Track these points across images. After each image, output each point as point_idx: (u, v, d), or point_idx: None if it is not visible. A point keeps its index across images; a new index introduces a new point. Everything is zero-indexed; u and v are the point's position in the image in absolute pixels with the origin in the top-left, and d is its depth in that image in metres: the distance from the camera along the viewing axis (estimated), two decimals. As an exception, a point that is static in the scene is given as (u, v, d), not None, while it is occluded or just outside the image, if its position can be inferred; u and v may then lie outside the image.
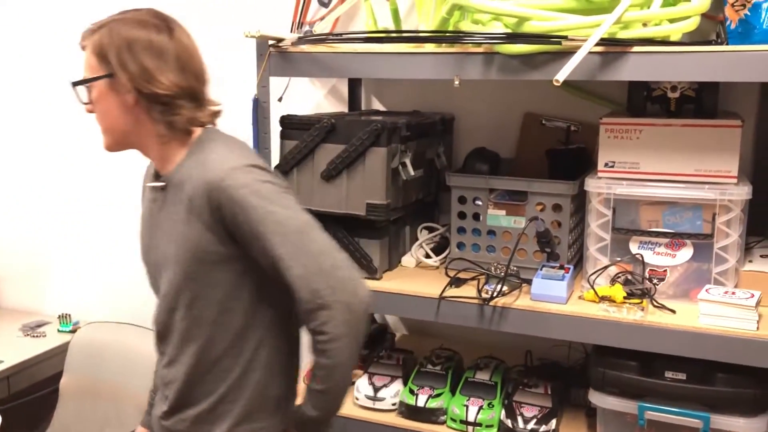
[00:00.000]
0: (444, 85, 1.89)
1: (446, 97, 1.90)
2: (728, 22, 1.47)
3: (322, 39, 1.42)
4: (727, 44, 1.44)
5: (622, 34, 1.26)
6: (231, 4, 2.10)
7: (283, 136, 1.56)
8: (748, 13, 1.42)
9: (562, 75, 1.14)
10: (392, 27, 1.79)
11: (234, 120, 2.09)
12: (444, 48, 1.39)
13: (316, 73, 1.51)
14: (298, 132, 1.53)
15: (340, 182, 1.49)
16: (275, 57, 1.49)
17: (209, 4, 2.12)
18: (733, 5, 1.47)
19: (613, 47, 1.24)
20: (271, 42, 1.48)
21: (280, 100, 1.98)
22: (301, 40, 1.42)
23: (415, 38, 1.37)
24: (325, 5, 1.95)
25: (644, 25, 1.27)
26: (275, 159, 1.60)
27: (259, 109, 1.52)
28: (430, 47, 1.43)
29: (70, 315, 2.37)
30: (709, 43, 1.50)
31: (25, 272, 2.55)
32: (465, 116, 1.90)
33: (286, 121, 1.55)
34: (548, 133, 1.79)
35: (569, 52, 1.25)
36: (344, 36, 1.41)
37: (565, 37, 1.22)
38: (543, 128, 1.80)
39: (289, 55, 1.48)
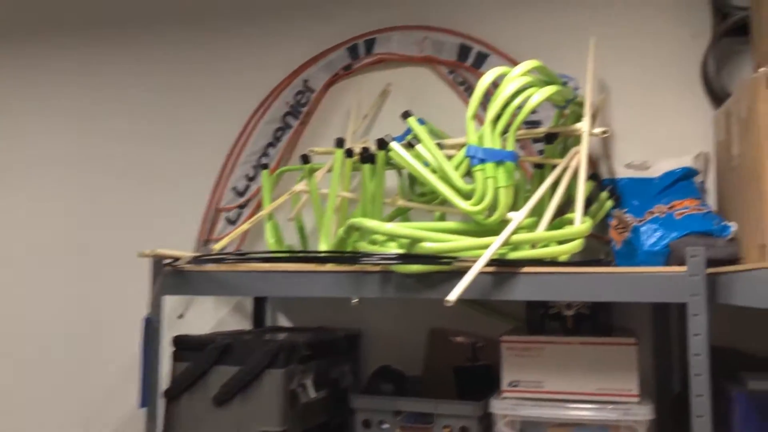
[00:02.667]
0: (346, 301, 1.88)
1: (352, 313, 1.88)
2: (613, 243, 1.55)
3: (220, 258, 1.41)
4: (614, 264, 1.51)
5: (513, 255, 1.29)
6: (132, 217, 2.10)
7: (176, 357, 1.47)
8: (631, 236, 1.51)
9: (452, 295, 1.15)
10: (299, 244, 1.81)
11: (126, 341, 2.01)
12: (343, 267, 1.39)
13: (214, 292, 1.47)
14: (191, 353, 1.45)
15: (233, 407, 1.40)
16: (171, 276, 1.45)
17: (112, 217, 2.11)
18: (616, 228, 1.57)
19: (504, 268, 1.27)
20: (166, 261, 1.45)
21: (180, 317, 1.91)
22: (197, 260, 1.40)
23: (314, 258, 1.38)
24: (232, 223, 1.97)
25: (533, 246, 1.32)
26: (165, 383, 1.50)
27: (150, 330, 1.45)
28: (330, 266, 1.43)
29: None
30: (598, 262, 1.57)
31: None
32: (371, 332, 1.87)
33: (179, 342, 1.47)
34: (455, 350, 1.77)
35: (462, 272, 1.27)
36: (243, 255, 1.40)
37: (457, 258, 1.24)
38: (450, 344, 1.78)
39: (185, 274, 1.45)
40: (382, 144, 1.43)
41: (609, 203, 1.58)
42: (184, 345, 1.47)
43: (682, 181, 1.61)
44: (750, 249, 1.34)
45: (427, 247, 1.25)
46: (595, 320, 1.48)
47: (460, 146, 1.60)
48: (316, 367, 1.52)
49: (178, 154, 2.09)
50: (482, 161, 1.30)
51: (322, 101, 1.98)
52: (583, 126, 1.45)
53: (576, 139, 1.58)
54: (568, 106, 1.48)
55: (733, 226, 1.41)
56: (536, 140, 1.74)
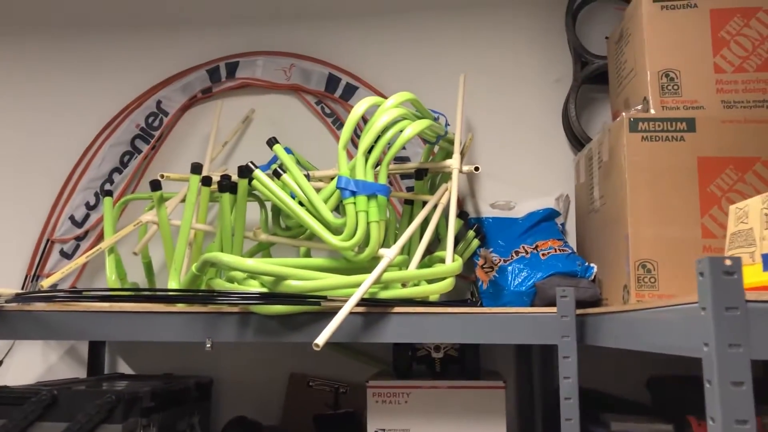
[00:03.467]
0: (199, 344, 1.71)
1: (203, 358, 1.71)
2: (480, 283, 1.53)
3: (50, 296, 1.21)
4: (481, 304, 1.48)
5: (384, 294, 1.22)
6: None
7: (-12, 413, 1.24)
8: (497, 275, 1.48)
9: (321, 339, 1.04)
10: (145, 282, 1.63)
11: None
12: (196, 308, 1.25)
13: (42, 336, 1.27)
14: (8, 408, 1.23)
15: (58, 472, 1.19)
16: (-14, 316, 1.23)
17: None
18: (482, 267, 1.54)
19: (375, 308, 1.19)
20: (-19, 299, 1.23)
21: (-1, 364, 1.65)
22: (21, 297, 1.19)
23: (163, 297, 1.22)
24: (68, 256, 1.75)
25: (403, 285, 1.25)
26: (-26, 443, 1.26)
27: (-43, 380, 1.21)
28: (181, 306, 1.28)
29: None
30: (465, 302, 1.54)
31: None
32: (225, 379, 1.71)
33: (-7, 395, 1.25)
34: (316, 396, 1.66)
35: (330, 313, 1.18)
36: (78, 293, 1.21)
37: (325, 298, 1.15)
38: (310, 390, 1.67)
39: (5, 315, 1.23)
40: (245, 172, 1.31)
41: (475, 242, 1.56)
42: (0, 398, 1.24)
43: (544, 221, 1.63)
44: (612, 290, 1.36)
45: (293, 285, 1.15)
46: (463, 362, 1.43)
47: (328, 179, 1.52)
48: (161, 421, 1.35)
49: (6, 175, 1.83)
50: (354, 194, 1.23)
51: (176, 125, 1.82)
52: (454, 163, 1.42)
53: (444, 176, 1.55)
54: (438, 143, 1.45)
55: (595, 268, 1.43)
56: (404, 176, 1.70)
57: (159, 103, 1.80)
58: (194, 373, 1.69)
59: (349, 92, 1.77)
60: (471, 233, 1.56)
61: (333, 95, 1.77)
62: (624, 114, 1.30)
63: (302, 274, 1.16)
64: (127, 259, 1.63)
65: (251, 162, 1.29)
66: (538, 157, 1.73)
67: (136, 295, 1.23)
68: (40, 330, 1.24)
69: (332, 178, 1.53)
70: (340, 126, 1.78)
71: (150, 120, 1.80)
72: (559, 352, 1.16)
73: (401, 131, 1.28)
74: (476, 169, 1.34)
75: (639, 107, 1.33)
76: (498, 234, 1.60)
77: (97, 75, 1.86)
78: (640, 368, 1.58)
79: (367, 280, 1.17)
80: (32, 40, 1.88)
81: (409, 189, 1.69)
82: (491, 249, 1.56)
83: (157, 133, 1.79)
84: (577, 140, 1.68)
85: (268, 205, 1.52)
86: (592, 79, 1.69)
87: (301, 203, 1.28)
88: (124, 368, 1.74)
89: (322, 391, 1.67)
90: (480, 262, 1.53)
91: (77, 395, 1.24)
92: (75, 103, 1.85)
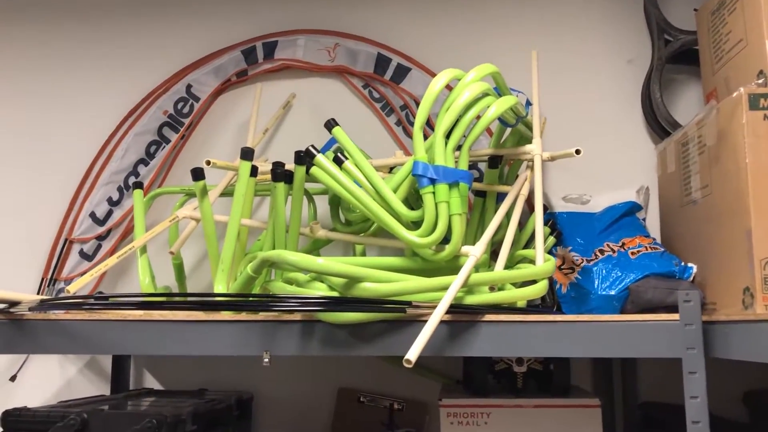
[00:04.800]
0: (235, 357, 1.53)
1: (240, 371, 1.53)
2: (558, 285, 1.35)
3: (77, 303, 1.03)
4: (559, 310, 1.31)
5: (470, 300, 1.04)
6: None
7: (6, 441, 1.06)
8: (579, 277, 1.31)
9: (413, 353, 0.86)
10: (175, 287, 1.45)
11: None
12: (247, 315, 1.06)
13: (68, 350, 1.08)
14: (29, 435, 1.05)
15: None
16: (5, 327, 1.05)
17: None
18: (560, 268, 1.36)
19: (463, 315, 1.01)
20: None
21: (13, 379, 1.47)
22: (44, 304, 1.01)
23: (210, 304, 1.04)
24: (89, 258, 1.56)
25: (491, 289, 1.07)
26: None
27: (-31, 402, 1.03)
28: (227, 314, 1.10)
29: None
30: (536, 308, 1.36)
31: None
32: (264, 394, 1.53)
33: (11, 420, 1.06)
34: (368, 413, 1.48)
35: (410, 321, 1.00)
36: (110, 299, 1.03)
37: (409, 303, 0.97)
38: (361, 407, 1.49)
39: (25, 325, 1.05)
40: (303, 157, 1.13)
41: (551, 240, 1.38)
42: (18, 424, 1.06)
43: (626, 216, 1.45)
44: (721, 293, 1.18)
45: (369, 288, 0.96)
46: (549, 378, 1.25)
47: (385, 169, 1.34)
48: (204, 446, 1.17)
49: (19, 169, 1.65)
50: (433, 182, 1.05)
51: (208, 112, 1.64)
52: (536, 148, 1.24)
53: (515, 165, 1.37)
54: (517, 125, 1.27)
55: (694, 268, 1.26)
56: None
57: (189, 87, 1.62)
58: (229, 387, 1.50)
59: (401, 74, 1.59)
60: (546, 229, 1.38)
61: (382, 77, 1.59)
62: (742, 89, 1.12)
63: (380, 276, 0.98)
64: (152, 260, 1.45)
65: (312, 146, 1.11)
66: (614, 146, 1.55)
67: (183, 302, 1.04)
68: (67, 343, 1.05)
69: (390, 169, 1.35)
70: (390, 112, 1.60)
71: (179, 106, 1.61)
72: (684, 367, 0.98)
73: (485, 109, 1.10)
74: (577, 152, 1.16)
75: (759, 81, 1.15)
76: (575, 231, 1.42)
77: (118, 58, 1.68)
78: (734, 381, 1.40)
79: (455, 282, 0.99)
80: (53, 22, 1.70)
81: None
82: (569, 247, 1.38)
83: (186, 121, 1.61)
84: (660, 126, 1.51)
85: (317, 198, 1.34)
86: (673, 59, 1.52)
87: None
88: (150, 382, 1.56)
89: (375, 408, 1.49)
90: (557, 262, 1.35)
91: (111, 419, 1.06)
92: (94, 89, 1.67)
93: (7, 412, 1.07)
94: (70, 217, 1.58)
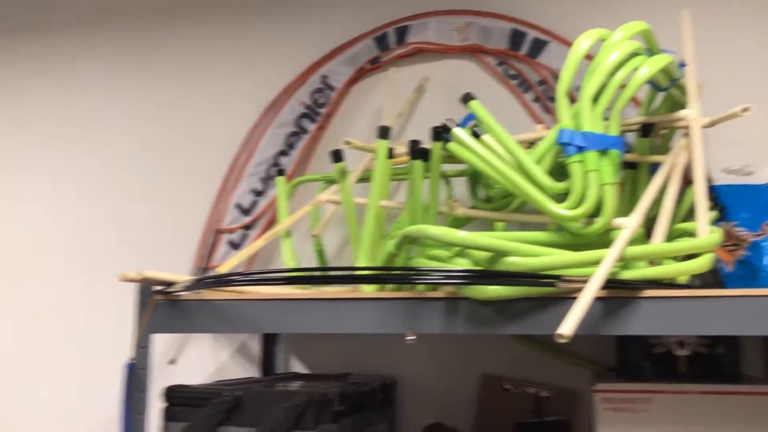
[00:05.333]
0: (378, 341, 1.53)
1: (382, 356, 1.53)
2: (721, 263, 1.23)
3: (227, 280, 1.06)
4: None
5: (627, 274, 0.96)
6: (112, 241, 1.75)
7: (168, 416, 1.11)
8: (748, 253, 1.19)
9: (567, 327, 0.81)
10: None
11: (98, 392, 1.64)
12: (389, 293, 1.05)
13: (219, 329, 1.12)
14: (189, 410, 1.09)
15: (246, 484, 1.04)
16: (162, 307, 1.10)
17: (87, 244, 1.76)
18: (725, 245, 1.24)
19: (619, 291, 0.93)
20: (156, 288, 1.10)
21: (172, 362, 1.55)
22: (199, 283, 1.05)
23: (353, 278, 1.03)
24: (237, 247, 1.63)
25: (650, 263, 0.99)
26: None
27: (135, 379, 1.09)
28: (370, 291, 1.09)
29: None
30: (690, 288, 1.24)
31: None
32: (406, 380, 1.51)
33: (173, 395, 1.11)
34: (514, 401, 1.43)
35: (559, 298, 0.94)
36: (257, 275, 1.05)
37: (558, 277, 0.91)
38: (506, 394, 1.44)
39: (181, 305, 1.10)
40: (440, 133, 1.10)
41: (712, 215, 1.26)
42: (179, 399, 1.11)
43: (798, 188, 1.30)
44: None
45: (515, 262, 0.92)
46: (716, 362, 1.14)
47: (526, 144, 1.28)
48: (350, 427, 1.17)
49: (172, 164, 1.75)
50: (581, 149, 0.98)
51: (343, 101, 1.66)
52: (693, 113, 1.13)
53: (668, 134, 1.27)
54: (670, 89, 1.17)
55: None
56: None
57: (324, 78, 1.64)
58: (372, 372, 1.50)
59: (538, 48, 1.52)
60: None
61: (517, 53, 1.53)
62: None
63: (527, 250, 0.93)
64: (295, 249, 1.48)
65: (450, 119, 1.08)
66: (779, 110, 1.40)
67: (323, 275, 1.05)
68: (218, 322, 1.09)
69: (530, 143, 1.29)
70: (527, 89, 1.54)
71: (316, 97, 1.64)
72: None
73: (635, 71, 1.03)
74: (744, 110, 1.05)
75: None
76: (740, 204, 1.29)
77: (253, 57, 1.73)
78: None
79: (609, 255, 0.92)
80: (191, 26, 1.79)
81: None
82: (734, 222, 1.26)
83: (323, 111, 1.64)
84: (838, 84, 1.34)
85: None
86: None
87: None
88: (297, 368, 1.59)
89: (521, 396, 1.43)
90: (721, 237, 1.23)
91: (262, 397, 1.08)
92: (235, 85, 1.73)
93: (169, 388, 1.12)
94: (218, 208, 1.65)
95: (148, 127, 1.78)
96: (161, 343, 1.63)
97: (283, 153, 1.64)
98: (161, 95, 1.78)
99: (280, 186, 1.37)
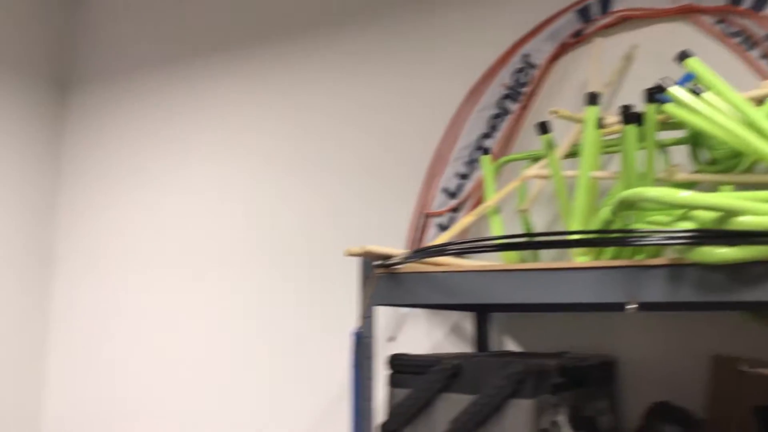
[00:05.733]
0: (596, 319, 1.49)
1: (601, 334, 1.49)
2: None
3: (443, 249, 1.09)
4: None
5: None
6: (327, 221, 1.88)
7: (393, 382, 1.18)
8: None
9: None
10: (525, 255, 1.47)
11: (327, 359, 1.77)
12: (606, 262, 1.02)
13: (434, 299, 1.17)
14: (411, 377, 1.16)
15: (468, 448, 1.07)
16: (383, 280, 1.18)
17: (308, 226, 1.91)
18: None
19: None
20: (377, 262, 1.18)
21: (391, 339, 1.64)
22: (417, 254, 1.10)
23: (566, 242, 1.02)
24: (445, 229, 1.68)
25: None
26: (380, 413, 1.22)
27: (362, 347, 1.18)
28: (585, 261, 1.07)
29: None
30: None
31: None
32: (627, 360, 1.46)
33: (397, 363, 1.18)
34: (752, 384, 1.31)
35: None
36: (472, 243, 1.07)
37: (802, 237, 0.83)
38: (742, 377, 1.33)
39: (400, 278, 1.17)
40: (654, 94, 1.06)
41: None
42: (402, 367, 1.17)
43: None
44: None
45: (747, 222, 0.85)
46: None
47: (754, 102, 1.18)
48: (570, 400, 1.16)
49: (381, 151, 1.85)
50: (823, 97, 0.89)
51: (546, 78, 1.64)
52: None
53: None
54: None
55: None
56: None
57: (526, 57, 1.64)
58: (591, 351, 1.47)
59: (762, 0, 1.39)
60: None
61: (739, 7, 1.41)
62: None
63: (761, 208, 0.86)
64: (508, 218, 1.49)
65: (665, 77, 1.03)
66: None
67: (537, 241, 1.05)
68: (435, 293, 1.14)
69: (759, 101, 1.19)
70: (752, 46, 1.41)
71: (517, 77, 1.64)
72: None
73: None
74: None
75: None
76: None
77: (454, 39, 1.77)
78: None
79: None
80: (391, 19, 1.87)
81: None
82: None
83: (526, 90, 1.63)
84: None
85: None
86: None
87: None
88: (511, 347, 1.61)
89: (760, 379, 1.31)
90: None
91: (482, 365, 1.11)
92: (436, 72, 1.78)
93: (393, 356, 1.19)
94: (426, 192, 1.71)
95: (358, 124, 1.89)
96: (381, 322, 1.72)
97: (487, 135, 1.66)
98: (372, 93, 1.89)
99: (486, 165, 1.39)
